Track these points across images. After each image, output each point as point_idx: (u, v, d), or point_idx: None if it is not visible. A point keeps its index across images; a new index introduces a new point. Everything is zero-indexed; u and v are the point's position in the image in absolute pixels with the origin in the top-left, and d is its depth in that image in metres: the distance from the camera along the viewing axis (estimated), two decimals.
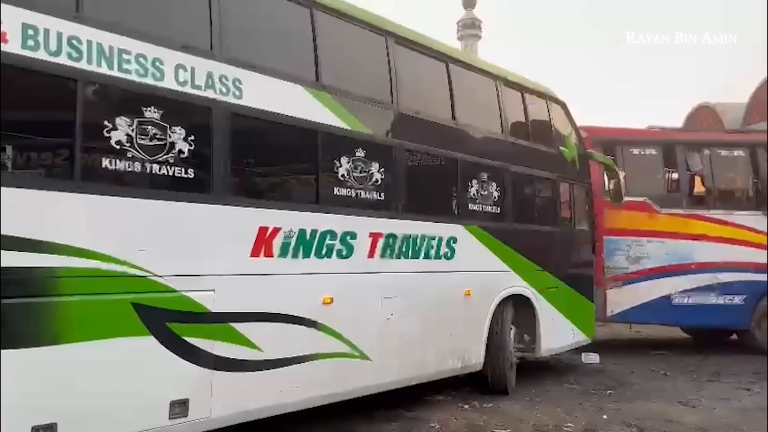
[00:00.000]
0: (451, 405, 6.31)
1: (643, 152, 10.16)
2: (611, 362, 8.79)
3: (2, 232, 3.17)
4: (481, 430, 5.48)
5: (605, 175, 9.32)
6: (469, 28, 76.42)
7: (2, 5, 3.22)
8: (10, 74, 3.26)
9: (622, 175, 8.92)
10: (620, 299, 9.68)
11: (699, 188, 10.23)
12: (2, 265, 3.16)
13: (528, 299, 7.12)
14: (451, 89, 6.33)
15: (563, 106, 8.27)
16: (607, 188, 9.24)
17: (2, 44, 3.24)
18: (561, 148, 8.00)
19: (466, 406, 6.28)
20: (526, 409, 6.19)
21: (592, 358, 8.49)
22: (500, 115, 6.99)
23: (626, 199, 8.99)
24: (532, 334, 7.30)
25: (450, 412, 6.00)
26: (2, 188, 3.17)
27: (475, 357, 6.40)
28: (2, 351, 3.17)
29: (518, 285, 6.95)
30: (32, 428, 3.28)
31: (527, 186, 7.38)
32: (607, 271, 9.61)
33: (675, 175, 10.42)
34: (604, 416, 5.94)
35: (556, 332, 7.56)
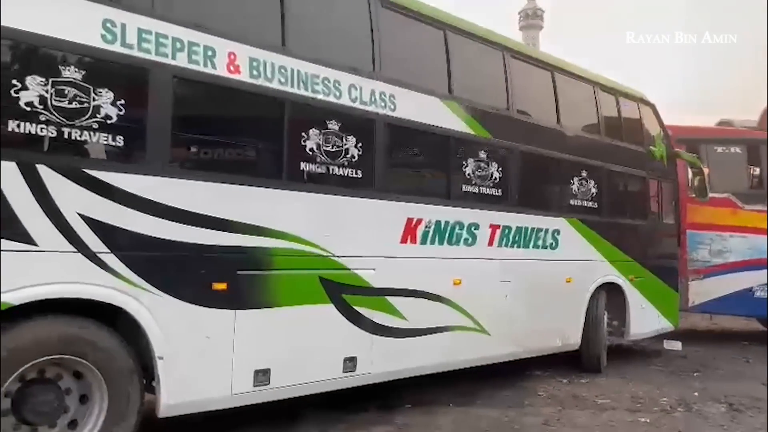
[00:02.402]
0: (551, 379, 7.05)
1: (727, 150, 10.50)
2: (692, 350, 9.28)
3: (240, 220, 4.15)
4: (584, 399, 6.21)
5: (689, 172, 9.77)
6: (531, 18, 75.65)
7: (239, 49, 4.18)
8: (243, 97, 4.25)
9: (706, 172, 9.38)
10: (702, 291, 10.12)
11: None
12: (240, 245, 4.15)
13: (619, 287, 7.76)
14: (555, 95, 7.04)
15: (652, 107, 8.80)
16: (691, 185, 9.70)
17: (236, 75, 4.21)
18: (650, 147, 8.56)
19: (565, 381, 7.02)
20: (620, 385, 6.88)
21: (674, 344, 9.03)
22: (597, 117, 7.64)
23: (710, 195, 9.45)
24: (621, 319, 7.93)
25: (552, 385, 6.76)
26: (244, 186, 4.17)
27: (573, 337, 7.13)
28: (237, 311, 4.16)
29: (611, 274, 7.61)
30: (254, 371, 4.26)
31: (620, 183, 7.99)
32: (690, 263, 10.06)
33: (757, 172, 10.72)
34: (695, 393, 6.56)
35: (644, 318, 8.16)
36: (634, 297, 7.95)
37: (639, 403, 6.09)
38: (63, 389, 3.61)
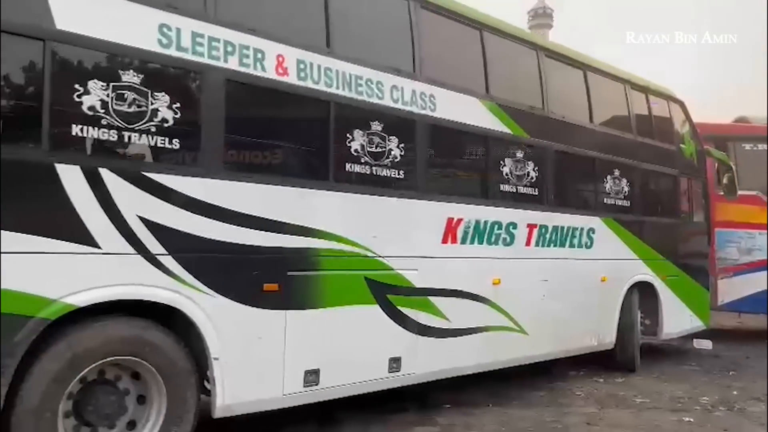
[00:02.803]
0: (586, 379, 7.03)
1: (755, 147, 10.40)
2: (721, 349, 9.21)
3: (289, 221, 4.18)
4: (623, 399, 6.18)
5: (718, 170, 9.69)
6: (541, 17, 75.34)
7: (287, 51, 4.21)
8: (291, 99, 4.27)
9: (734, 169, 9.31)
10: (731, 289, 10.04)
11: None
12: (289, 246, 4.18)
13: (652, 286, 7.70)
14: (588, 94, 7.01)
15: (681, 104, 8.75)
16: (720, 182, 9.62)
17: (285, 77, 4.24)
18: (681, 145, 8.50)
19: (601, 380, 6.99)
20: (656, 384, 6.84)
21: (705, 344, 8.95)
22: (629, 116, 7.61)
23: (739, 192, 9.37)
24: (653, 318, 7.88)
25: (588, 384, 6.74)
26: (293, 187, 4.20)
27: (608, 336, 7.10)
28: (287, 311, 4.18)
29: (645, 273, 7.56)
30: (305, 372, 4.28)
31: (652, 181, 7.94)
32: (719, 262, 9.99)
33: None
34: (734, 392, 6.51)
35: (676, 317, 8.10)
36: (666, 296, 7.89)
37: (680, 403, 6.06)
38: (121, 390, 3.65)
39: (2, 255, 3.05)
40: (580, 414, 5.57)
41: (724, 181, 9.51)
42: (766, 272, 9.95)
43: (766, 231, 10.04)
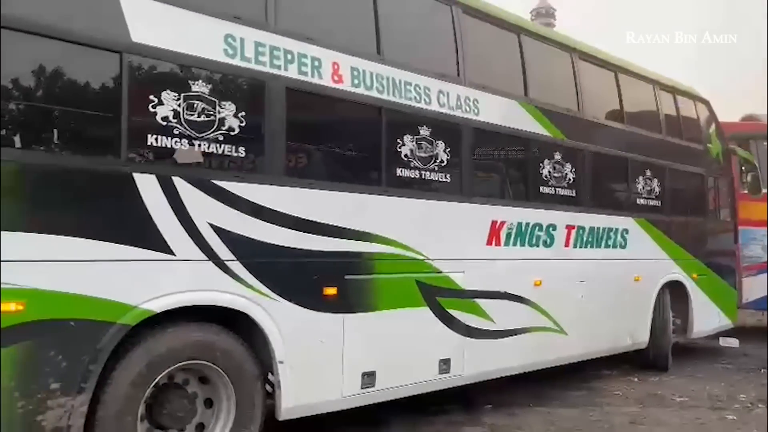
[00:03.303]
0: (621, 378, 7.08)
1: None
2: (748, 347, 9.23)
3: (346, 225, 4.25)
4: (662, 398, 6.23)
5: (742, 169, 9.74)
6: (543, 17, 75.40)
7: (341, 59, 4.28)
8: (345, 106, 4.35)
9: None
10: (755, 287, 10.06)
11: None
12: (347, 250, 4.25)
13: (682, 285, 7.75)
14: (619, 95, 7.07)
15: (707, 104, 8.79)
16: (744, 181, 9.67)
17: (340, 84, 4.31)
18: (707, 144, 8.55)
19: (635, 379, 7.04)
20: (692, 383, 6.89)
21: (731, 342, 8.97)
22: (658, 116, 7.66)
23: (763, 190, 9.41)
24: (683, 317, 7.93)
25: (624, 384, 6.79)
26: (349, 193, 4.28)
27: (642, 336, 7.15)
28: (345, 315, 4.25)
29: (676, 272, 7.61)
30: (362, 374, 4.35)
31: (681, 181, 7.98)
32: (743, 260, 10.01)
33: None
34: None
35: (706, 316, 8.15)
36: (696, 295, 7.94)
37: (719, 401, 6.11)
38: (191, 393, 3.72)
39: (86, 263, 3.14)
40: (622, 413, 5.62)
41: (748, 179, 9.58)
42: None
43: None
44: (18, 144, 3.08)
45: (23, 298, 2.94)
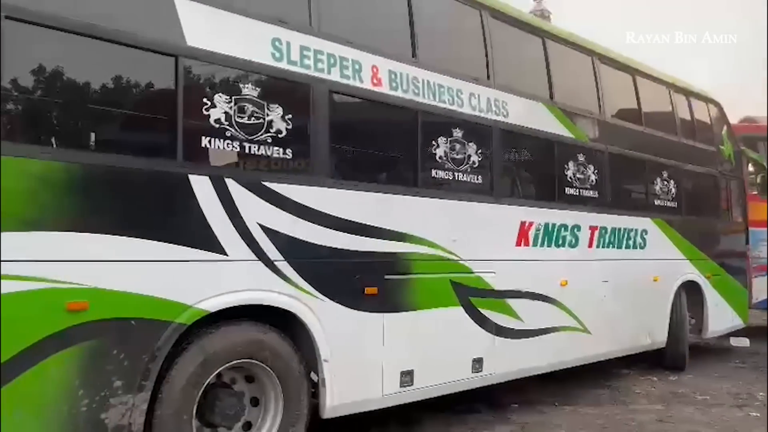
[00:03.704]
0: (640, 377, 7.16)
1: None
2: (758, 346, 9.33)
3: (385, 227, 4.31)
4: (683, 396, 6.31)
5: (752, 170, 9.87)
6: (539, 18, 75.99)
7: (380, 62, 4.35)
8: (384, 109, 4.42)
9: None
10: (764, 287, 10.19)
11: None
12: (386, 251, 4.31)
13: (698, 285, 7.85)
14: (637, 97, 7.17)
15: (719, 105, 8.92)
16: (754, 182, 9.81)
17: (379, 87, 4.38)
18: (720, 146, 8.66)
19: (655, 378, 7.12)
20: (710, 381, 6.98)
21: (742, 341, 9.09)
22: (674, 118, 7.77)
23: None
24: (698, 317, 8.02)
25: (645, 383, 6.87)
26: (388, 194, 4.35)
27: (660, 335, 7.23)
28: (385, 314, 4.31)
29: (692, 272, 7.70)
30: (400, 372, 4.41)
31: (696, 182, 8.10)
32: (752, 260, 10.14)
33: None
34: None
35: (720, 316, 8.25)
36: (711, 294, 8.04)
37: (740, 399, 6.19)
38: (238, 392, 3.77)
39: (144, 263, 3.19)
40: (648, 412, 5.70)
41: (758, 180, 9.71)
42: None
43: None
44: (83, 147, 3.14)
45: (87, 298, 2.98)
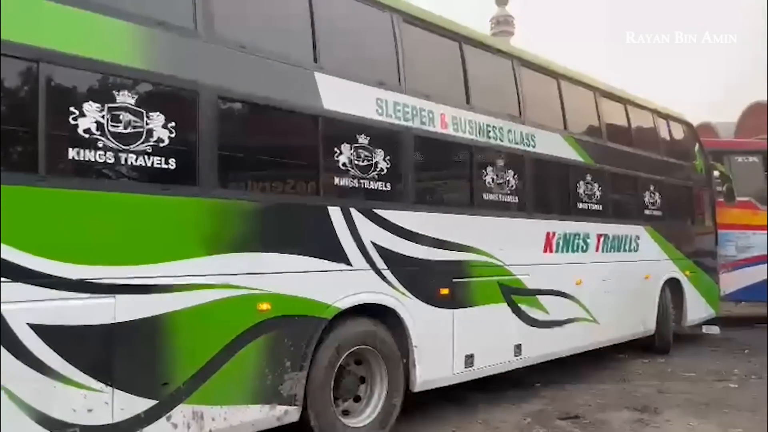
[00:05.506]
0: (633, 361, 8.45)
1: (746, 159, 12.14)
2: (727, 333, 10.76)
3: (452, 240, 5.44)
4: (674, 373, 7.63)
5: (719, 180, 11.34)
6: (503, 24, 77.87)
7: (446, 110, 5.48)
8: (449, 147, 5.57)
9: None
10: (730, 282, 11.68)
11: None
12: (453, 259, 5.45)
13: (678, 281, 9.22)
14: (629, 122, 8.49)
15: (691, 126, 10.35)
16: (720, 190, 11.28)
17: (445, 130, 5.52)
18: (694, 161, 10.08)
19: (646, 361, 8.44)
20: (693, 362, 8.31)
21: (713, 329, 10.52)
22: (657, 139, 9.13)
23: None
24: (677, 308, 9.38)
25: (638, 365, 8.17)
26: (452, 214, 5.49)
27: (651, 324, 8.56)
28: (454, 310, 5.45)
29: (674, 270, 9.07)
30: (465, 356, 5.55)
31: (676, 193, 9.46)
32: (719, 258, 11.63)
33: None
34: (756, 365, 8.02)
35: (696, 307, 9.66)
36: (689, 289, 9.43)
37: (720, 375, 7.52)
38: (352, 372, 4.85)
39: (302, 273, 4.27)
40: (648, 386, 6.97)
41: (724, 189, 11.18)
42: (762, 266, 11.66)
43: (758, 231, 11.80)
44: (258, 189, 4.24)
45: (270, 300, 4.05)
